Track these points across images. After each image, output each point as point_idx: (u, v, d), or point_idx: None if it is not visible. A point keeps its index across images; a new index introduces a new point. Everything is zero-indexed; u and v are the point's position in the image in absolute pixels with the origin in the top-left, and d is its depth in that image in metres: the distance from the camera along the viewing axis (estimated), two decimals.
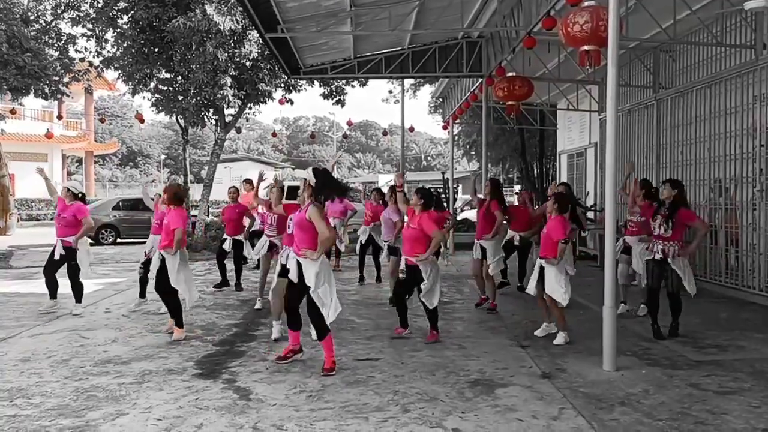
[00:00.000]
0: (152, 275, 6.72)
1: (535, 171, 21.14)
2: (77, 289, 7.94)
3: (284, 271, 5.75)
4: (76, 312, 7.84)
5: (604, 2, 5.80)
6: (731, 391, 4.84)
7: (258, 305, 8.17)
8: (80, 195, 8.00)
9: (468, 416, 4.34)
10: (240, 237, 9.48)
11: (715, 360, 5.73)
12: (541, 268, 6.39)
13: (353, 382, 5.11)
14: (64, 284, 7.96)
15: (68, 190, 7.91)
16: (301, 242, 5.35)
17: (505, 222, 8.48)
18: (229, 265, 9.89)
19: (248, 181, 11.66)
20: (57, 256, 7.80)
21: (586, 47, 6.75)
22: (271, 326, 6.63)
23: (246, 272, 11.45)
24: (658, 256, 6.48)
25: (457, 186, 19.11)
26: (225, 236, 9.66)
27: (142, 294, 8.39)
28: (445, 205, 13.81)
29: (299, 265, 5.35)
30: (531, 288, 6.57)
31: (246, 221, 9.55)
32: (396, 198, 7.39)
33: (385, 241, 8.91)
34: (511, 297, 9.17)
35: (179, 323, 6.61)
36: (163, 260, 6.49)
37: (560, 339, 6.28)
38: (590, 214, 13.61)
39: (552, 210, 6.48)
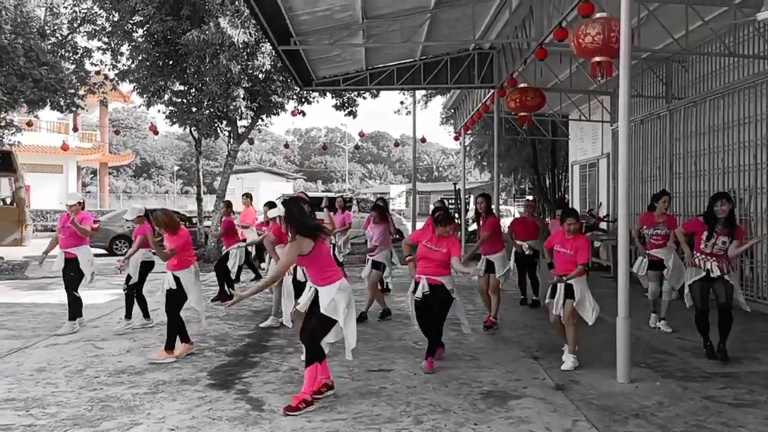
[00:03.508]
0: (162, 296, 6.45)
1: (548, 182, 21.11)
2: (76, 304, 7.58)
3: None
4: (74, 329, 7.48)
5: (616, 13, 5.82)
6: (747, 404, 4.81)
7: (267, 323, 7.85)
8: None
9: (481, 428, 4.33)
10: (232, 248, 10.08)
11: (730, 372, 5.68)
12: (567, 287, 5.85)
13: (365, 393, 5.11)
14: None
15: (81, 204, 7.59)
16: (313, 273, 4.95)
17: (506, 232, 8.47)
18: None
19: (248, 195, 11.93)
20: (59, 268, 7.51)
21: (597, 58, 6.74)
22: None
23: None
24: (715, 274, 6.06)
25: (469, 197, 19.03)
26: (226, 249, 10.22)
27: (128, 315, 7.72)
28: (456, 216, 13.84)
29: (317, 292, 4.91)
30: (558, 308, 5.94)
31: (246, 234, 10.38)
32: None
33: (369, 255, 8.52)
34: (523, 308, 9.15)
35: (171, 345, 6.25)
36: (177, 280, 6.32)
37: (569, 364, 5.82)
38: (603, 225, 13.56)
39: (573, 229, 5.95)
